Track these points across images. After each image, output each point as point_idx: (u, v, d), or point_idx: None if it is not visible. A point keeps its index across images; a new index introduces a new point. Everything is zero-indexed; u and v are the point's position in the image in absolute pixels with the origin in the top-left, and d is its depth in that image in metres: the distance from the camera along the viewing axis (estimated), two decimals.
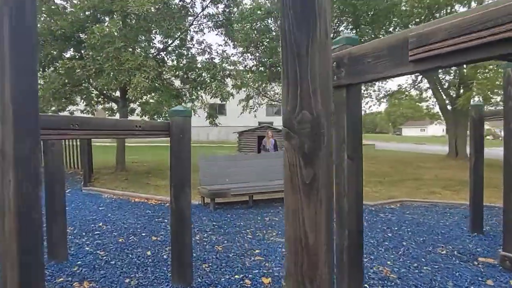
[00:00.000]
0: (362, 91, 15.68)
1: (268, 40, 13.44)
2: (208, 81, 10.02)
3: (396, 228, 5.53)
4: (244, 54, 13.95)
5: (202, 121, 12.74)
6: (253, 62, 14.97)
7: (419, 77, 22.48)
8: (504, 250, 3.77)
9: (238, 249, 4.52)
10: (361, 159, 2.22)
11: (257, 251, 4.43)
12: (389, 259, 4.20)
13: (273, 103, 17.28)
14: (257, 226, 5.58)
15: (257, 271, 3.86)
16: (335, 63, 2.01)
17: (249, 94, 15.71)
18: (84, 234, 5.23)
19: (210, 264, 4.03)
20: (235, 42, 12.26)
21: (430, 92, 22.33)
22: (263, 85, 15.55)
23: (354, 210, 2.14)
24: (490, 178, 11.49)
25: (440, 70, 20.58)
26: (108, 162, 13.65)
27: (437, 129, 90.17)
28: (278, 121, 17.87)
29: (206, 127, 12.97)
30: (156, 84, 9.86)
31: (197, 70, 10.38)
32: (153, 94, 10.03)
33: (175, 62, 10.95)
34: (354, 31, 14.71)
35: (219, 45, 12.35)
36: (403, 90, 22.55)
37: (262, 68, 15.06)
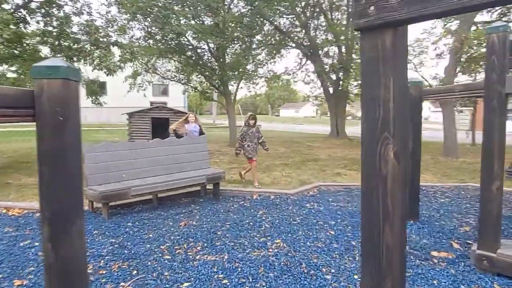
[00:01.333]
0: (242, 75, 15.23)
1: (157, 8, 11.60)
2: (89, 48, 7.89)
3: (333, 223, 4.90)
4: (131, 22, 11.77)
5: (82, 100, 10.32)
6: (141, 32, 12.85)
7: (304, 60, 23.30)
8: (480, 248, 3.34)
9: (156, 283, 3.17)
10: None
11: (185, 284, 3.12)
12: (351, 270, 3.45)
13: (164, 81, 15.37)
14: (173, 237, 4.23)
15: None
16: None
17: (136, 70, 13.57)
18: None
19: None
20: (120, 6, 10.13)
21: (311, 75, 23.39)
22: (153, 60, 13.58)
23: None
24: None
25: (321, 54, 21.62)
26: None
27: (309, 110, 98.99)
28: (168, 101, 16.14)
29: (83, 108, 10.66)
30: (16, 51, 7.35)
31: (72, 35, 8.03)
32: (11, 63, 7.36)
33: (41, 25, 8.32)
34: None
35: (101, 4, 9.61)
36: (280, 74, 23.04)
37: (151, 41, 13.09)
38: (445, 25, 15.63)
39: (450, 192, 7.07)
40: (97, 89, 9.23)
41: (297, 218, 5.08)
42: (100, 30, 7.90)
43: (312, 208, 5.64)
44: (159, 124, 11.91)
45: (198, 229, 4.54)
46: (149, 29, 12.51)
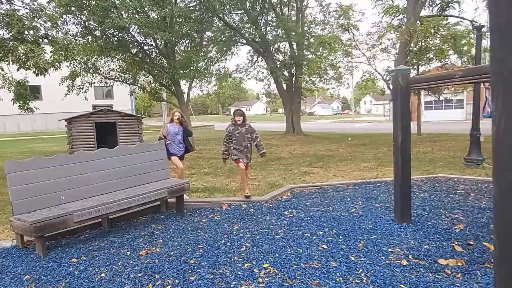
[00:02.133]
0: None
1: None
2: (11, 43, 6.51)
3: (321, 233, 4.27)
4: (65, 16, 10.33)
5: (8, 107, 8.86)
6: (77, 28, 11.37)
7: (256, 57, 22.78)
8: None
9: None
10: None
11: None
12: None
13: (108, 82, 13.88)
14: (133, 275, 3.26)
15: None
16: None
17: (74, 70, 12.07)
18: None
19: None
20: None
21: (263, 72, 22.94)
22: (93, 59, 12.17)
23: None
24: (362, 153, 12.23)
25: (273, 50, 21.24)
26: None
27: (260, 108, 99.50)
28: (115, 104, 14.64)
29: (15, 115, 9.05)
30: None
31: None
32: None
33: None
34: None
35: None
36: (232, 72, 22.39)
37: (90, 37, 11.69)
38: (391, 21, 15.88)
39: (425, 186, 6.78)
40: (25, 92, 7.82)
41: (279, 231, 4.38)
42: (25, 21, 6.58)
43: (292, 217, 4.98)
44: (106, 130, 10.63)
45: (164, 259, 3.65)
46: (87, 24, 11.13)
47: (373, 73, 15.09)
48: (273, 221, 4.81)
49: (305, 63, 19.99)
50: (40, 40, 7.02)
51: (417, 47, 14.88)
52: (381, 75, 14.78)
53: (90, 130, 9.64)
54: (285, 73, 20.61)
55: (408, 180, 4.43)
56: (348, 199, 5.91)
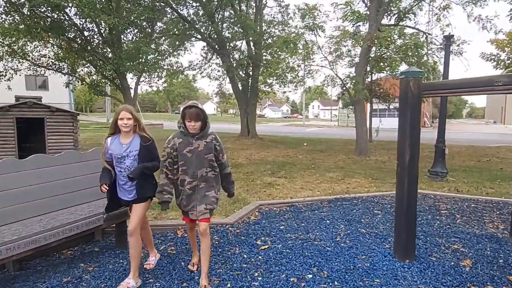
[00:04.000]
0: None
1: None
2: None
3: (310, 276, 3.29)
4: None
5: None
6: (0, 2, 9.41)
7: (210, 54, 21.59)
8: None
9: None
10: None
11: None
12: None
13: (37, 69, 11.80)
14: None
15: None
16: None
17: None
18: None
19: None
20: None
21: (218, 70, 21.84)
22: (21, 43, 10.23)
23: None
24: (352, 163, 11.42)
25: (229, 48, 20.21)
26: None
27: (210, 108, 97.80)
28: (48, 97, 12.62)
29: None
30: None
31: None
32: None
33: None
34: None
35: None
36: (184, 69, 21.07)
37: (16, 16, 9.76)
38: (351, 27, 15.56)
39: None
40: None
41: (256, 274, 3.34)
42: None
43: (268, 249, 3.96)
44: (31, 128, 8.83)
45: None
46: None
47: (334, 78, 14.61)
48: (245, 256, 3.75)
49: (263, 63, 19.22)
50: None
51: (378, 54, 14.67)
52: (342, 80, 14.32)
53: (9, 127, 7.84)
54: (242, 73, 19.67)
55: (414, 208, 3.61)
56: (328, 221, 5.03)
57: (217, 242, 4.15)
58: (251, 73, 19.62)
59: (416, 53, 12.84)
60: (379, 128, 17.94)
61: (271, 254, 3.82)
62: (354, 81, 13.73)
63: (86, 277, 3.26)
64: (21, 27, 9.55)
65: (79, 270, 3.41)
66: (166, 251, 3.90)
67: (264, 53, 19.21)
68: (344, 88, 14.72)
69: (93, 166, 3.94)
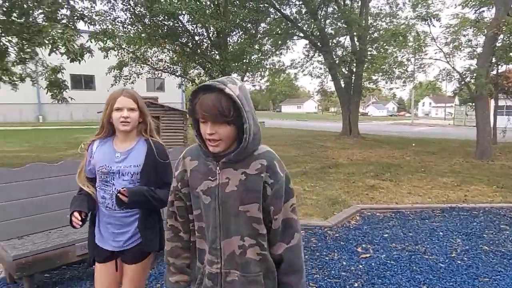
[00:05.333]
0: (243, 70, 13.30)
1: None
2: (42, 24, 5.82)
3: None
4: (112, 1, 9.76)
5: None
6: (126, 14, 10.79)
7: (312, 52, 21.33)
8: None
9: None
10: None
11: None
12: None
13: (155, 73, 13.31)
14: None
15: None
16: None
17: (122, 60, 11.58)
18: None
19: None
20: None
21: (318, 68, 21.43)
22: (143, 49, 11.58)
23: None
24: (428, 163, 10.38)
25: (332, 45, 19.65)
26: None
27: (311, 106, 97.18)
28: (163, 97, 14.15)
29: (72, 104, 8.35)
30: None
31: (21, 2, 5.85)
32: None
33: None
34: None
35: None
36: (286, 67, 21.04)
37: (140, 26, 11.05)
38: (476, 13, 13.68)
39: None
40: (58, 80, 7.20)
41: (356, 285, 3.10)
42: None
43: (370, 258, 3.67)
44: None
45: None
46: (135, 11, 10.48)
47: (450, 71, 13.06)
48: (344, 263, 3.54)
49: (368, 59, 18.29)
50: (76, 20, 6.28)
51: (507, 42, 12.64)
52: (460, 74, 12.73)
53: None
54: (344, 70, 19.02)
55: None
56: (441, 233, 4.47)
57: (314, 245, 4.01)
58: (354, 69, 18.84)
59: None
60: (507, 128, 15.49)
61: (373, 264, 3.53)
62: (475, 74, 12.07)
63: None
64: (143, 35, 10.77)
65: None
66: None
67: (370, 48, 18.27)
68: (463, 82, 13.07)
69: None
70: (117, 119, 1.85)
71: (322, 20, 18.50)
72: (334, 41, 19.80)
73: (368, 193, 6.69)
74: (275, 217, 1.38)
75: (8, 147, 12.60)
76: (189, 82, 14.47)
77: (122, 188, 1.77)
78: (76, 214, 1.76)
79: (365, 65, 18.59)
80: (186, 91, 21.20)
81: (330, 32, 18.98)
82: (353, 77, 18.86)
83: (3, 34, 6.21)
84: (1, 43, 6.42)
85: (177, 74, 13.49)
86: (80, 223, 1.75)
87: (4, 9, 5.89)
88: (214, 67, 11.65)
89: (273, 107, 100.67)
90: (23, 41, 6.39)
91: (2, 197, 2.86)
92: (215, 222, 1.38)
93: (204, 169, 1.39)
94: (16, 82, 7.39)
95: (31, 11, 5.92)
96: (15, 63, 7.24)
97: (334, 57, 18.64)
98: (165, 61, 12.96)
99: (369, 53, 18.32)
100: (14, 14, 5.87)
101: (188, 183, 1.44)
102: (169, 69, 13.06)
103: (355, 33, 17.34)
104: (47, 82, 7.33)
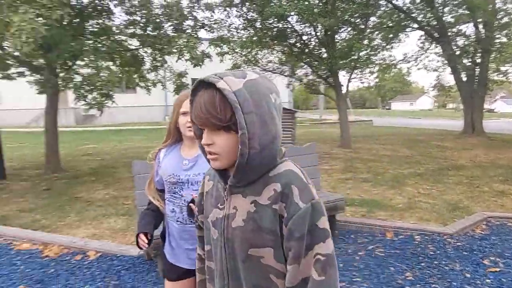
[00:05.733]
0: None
1: None
2: (171, 35, 6.68)
3: None
4: (228, 9, 10.53)
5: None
6: (240, 20, 11.51)
7: (427, 44, 19.56)
8: None
9: None
10: None
11: None
12: None
13: (266, 74, 13.95)
14: None
15: None
16: None
17: (236, 63, 12.39)
18: None
19: None
20: None
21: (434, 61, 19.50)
22: (254, 52, 12.20)
23: None
24: None
25: (451, 35, 17.70)
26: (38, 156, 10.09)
27: (426, 102, 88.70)
28: None
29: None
30: (100, 45, 6.56)
31: (154, 18, 6.85)
32: (91, 59, 6.41)
33: (125, 16, 7.35)
34: None
35: None
36: (397, 62, 19.52)
37: (251, 30, 11.67)
38: None
39: None
40: (183, 84, 8.12)
41: None
42: (184, 11, 6.60)
43: (500, 273, 3.28)
44: None
45: None
46: (248, 16, 11.09)
47: None
48: (468, 275, 3.24)
49: (496, 47, 16.08)
50: (198, 29, 7.02)
51: None
52: None
53: None
54: (466, 61, 17.04)
55: None
56: None
57: (432, 253, 3.76)
58: (478, 60, 16.74)
59: None
60: None
61: (504, 279, 3.16)
62: None
63: None
64: (254, 39, 11.37)
65: None
66: (373, 252, 3.81)
67: (498, 35, 16.04)
68: None
69: (309, 160, 4.25)
70: (183, 124, 1.70)
71: (440, 8, 16.85)
72: (454, 30, 17.87)
73: (497, 200, 5.95)
74: (288, 268, 0.95)
75: (141, 144, 14.55)
76: (297, 82, 14.78)
77: (194, 195, 1.47)
78: (142, 236, 1.66)
79: (492, 55, 16.39)
80: (293, 90, 21.67)
81: (449, 20, 17.17)
82: (477, 69, 16.80)
83: (141, 46, 7.40)
84: (139, 54, 7.64)
85: (285, 74, 13.85)
86: (146, 245, 1.66)
87: (142, 24, 6.98)
88: (322, 65, 11.65)
89: (381, 104, 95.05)
90: (156, 51, 7.44)
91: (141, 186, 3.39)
92: (221, 267, 1.05)
93: (216, 193, 1.09)
94: (150, 87, 8.65)
95: (162, 25, 6.87)
96: (149, 71, 8.43)
97: (454, 47, 16.84)
98: (274, 62, 13.44)
99: (497, 40, 16.11)
100: (149, 28, 6.90)
101: (203, 207, 1.16)
102: (278, 70, 13.52)
103: (479, 20, 15.39)
104: (174, 86, 8.35)
